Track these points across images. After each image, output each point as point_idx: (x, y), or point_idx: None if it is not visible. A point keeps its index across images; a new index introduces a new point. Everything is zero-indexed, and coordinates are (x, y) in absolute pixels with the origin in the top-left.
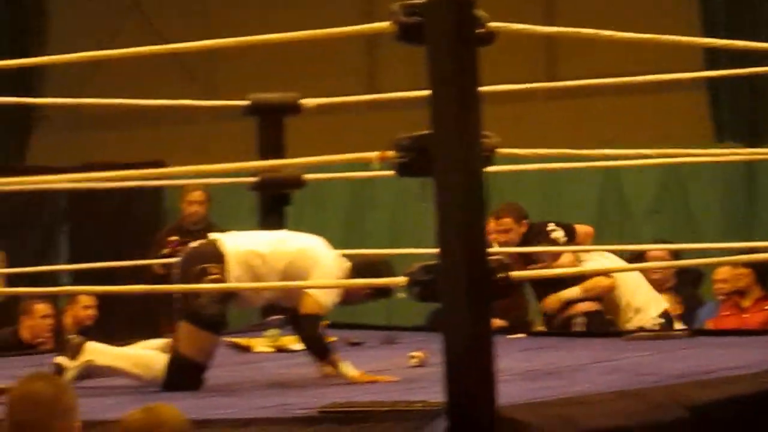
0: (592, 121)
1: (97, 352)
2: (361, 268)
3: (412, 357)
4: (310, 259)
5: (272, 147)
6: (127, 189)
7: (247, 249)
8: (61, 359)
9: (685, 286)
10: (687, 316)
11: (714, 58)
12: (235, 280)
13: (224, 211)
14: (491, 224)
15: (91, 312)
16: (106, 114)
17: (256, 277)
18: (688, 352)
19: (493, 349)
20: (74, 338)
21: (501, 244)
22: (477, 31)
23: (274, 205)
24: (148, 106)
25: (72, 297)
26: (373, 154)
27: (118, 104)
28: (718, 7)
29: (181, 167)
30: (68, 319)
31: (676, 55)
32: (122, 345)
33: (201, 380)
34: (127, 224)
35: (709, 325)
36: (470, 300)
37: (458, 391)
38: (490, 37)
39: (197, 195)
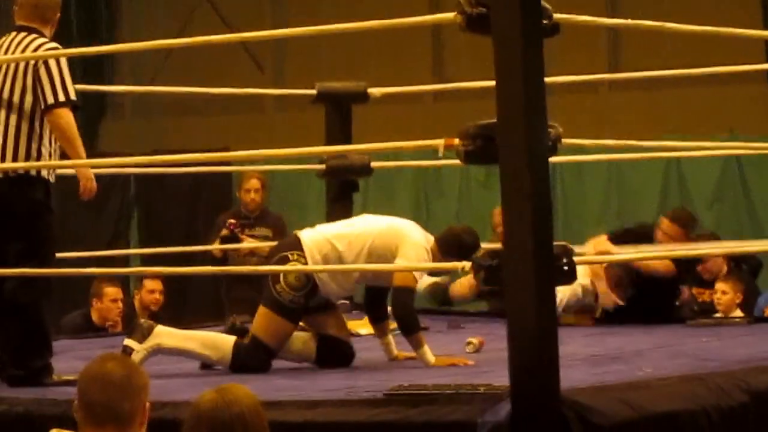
0: (654, 111)
1: (166, 334)
2: (446, 238)
3: (470, 343)
4: (396, 236)
5: (339, 135)
6: (196, 175)
7: (327, 234)
8: (130, 341)
9: (745, 274)
10: (747, 304)
11: None
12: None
13: (293, 198)
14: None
15: (156, 296)
16: (175, 102)
17: (340, 262)
18: (748, 339)
19: (556, 334)
20: (144, 321)
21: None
22: (542, 22)
23: (341, 192)
24: (217, 95)
25: (140, 281)
26: (440, 142)
27: (187, 92)
28: None
29: (250, 151)
30: (137, 303)
31: (737, 47)
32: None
33: (269, 364)
34: (196, 210)
35: None
36: (536, 285)
37: (523, 375)
38: (555, 28)
39: (254, 183)
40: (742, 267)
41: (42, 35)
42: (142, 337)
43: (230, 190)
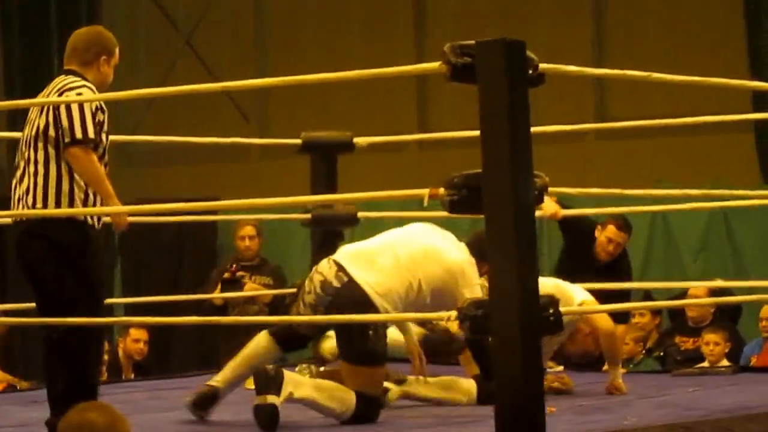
0: (640, 161)
1: (295, 382)
2: (477, 242)
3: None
4: (447, 267)
5: (325, 184)
6: (180, 225)
7: (386, 287)
8: (271, 398)
9: (726, 322)
10: (732, 353)
11: (761, 100)
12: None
13: (278, 247)
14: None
15: (140, 346)
16: (159, 150)
17: (401, 299)
18: (734, 388)
19: (542, 384)
20: (271, 370)
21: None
22: (528, 72)
23: (326, 242)
24: (201, 144)
25: (125, 330)
26: (424, 192)
27: (170, 141)
28: (766, 49)
29: (235, 200)
30: (121, 352)
31: (723, 97)
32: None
33: (379, 412)
34: (181, 259)
35: (755, 361)
36: (521, 335)
37: (509, 426)
38: (541, 78)
39: (248, 230)
40: (723, 313)
41: (83, 77)
42: (277, 390)
43: (215, 239)
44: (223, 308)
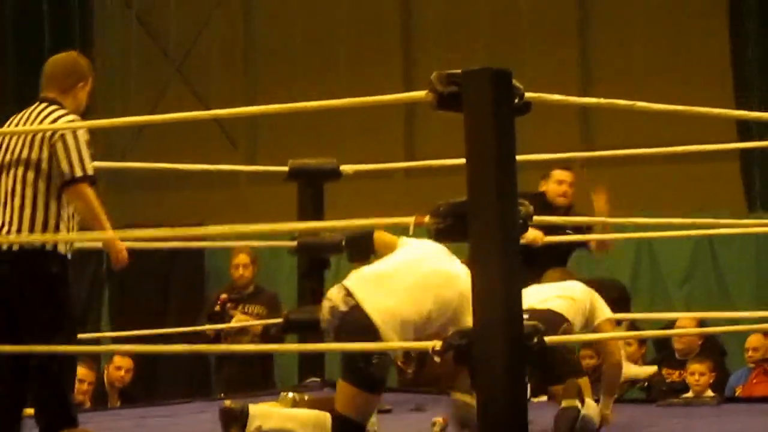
0: (626, 189)
1: (263, 415)
2: None
3: (434, 423)
4: (451, 285)
5: (312, 212)
6: (169, 251)
7: (393, 312)
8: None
9: (713, 353)
10: (717, 383)
11: (746, 129)
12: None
13: (265, 274)
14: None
15: (122, 374)
16: (148, 176)
17: (410, 324)
18: (719, 419)
19: (526, 413)
20: (233, 406)
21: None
22: (514, 100)
23: (312, 269)
24: (190, 170)
25: (110, 357)
26: (410, 219)
27: (160, 168)
28: (750, 79)
29: (222, 226)
30: (106, 380)
31: (709, 125)
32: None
33: None
34: (169, 285)
35: (740, 392)
36: (506, 365)
37: None
38: (527, 106)
39: (242, 258)
40: (709, 344)
41: (61, 106)
42: (240, 425)
43: (203, 265)
44: (216, 340)
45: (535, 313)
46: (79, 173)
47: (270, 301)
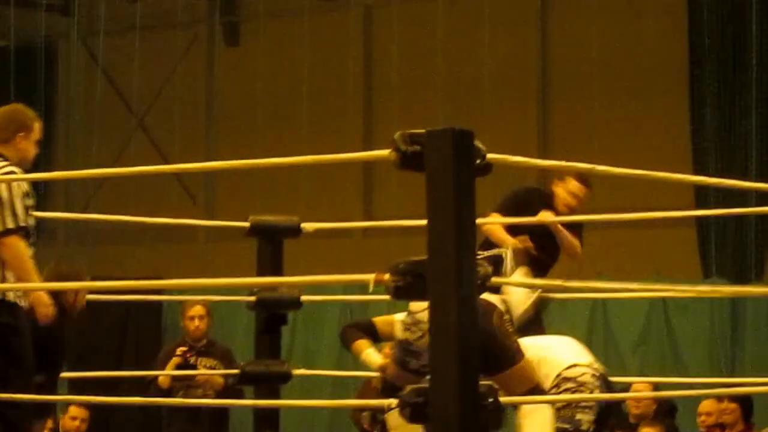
0: (582, 253)
1: None
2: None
3: None
4: None
5: (270, 268)
6: (126, 304)
7: None
8: None
9: (664, 416)
10: None
11: (704, 196)
12: None
13: (221, 330)
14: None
15: (77, 424)
16: (109, 229)
17: None
18: None
19: None
20: None
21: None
22: (475, 161)
23: (270, 325)
24: (150, 224)
25: (66, 406)
26: (370, 277)
27: (119, 220)
28: (709, 146)
29: (181, 280)
30: (61, 429)
31: (667, 192)
32: None
33: None
34: (126, 338)
35: None
36: (461, 424)
37: None
38: (488, 167)
39: (198, 309)
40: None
41: (3, 156)
42: None
43: (160, 319)
44: (169, 392)
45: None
46: (10, 225)
47: (225, 356)
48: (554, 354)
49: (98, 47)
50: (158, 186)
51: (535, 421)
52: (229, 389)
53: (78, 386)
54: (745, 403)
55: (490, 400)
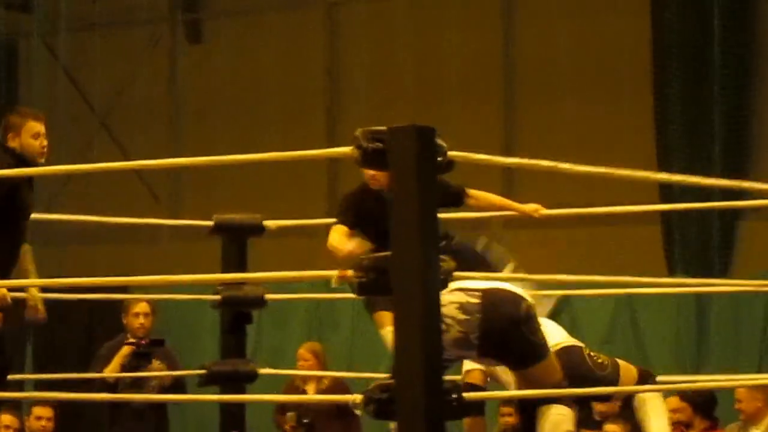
0: (547, 251)
1: None
2: None
3: None
4: None
5: (235, 266)
6: (92, 303)
7: None
8: None
9: (630, 413)
10: None
11: (668, 193)
12: None
13: (186, 329)
14: None
15: (43, 423)
16: (72, 230)
17: None
18: None
19: None
20: None
21: None
22: (437, 159)
23: (235, 324)
24: (113, 224)
25: (28, 407)
26: (333, 273)
27: (82, 220)
28: (673, 143)
29: (144, 277)
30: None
31: (632, 189)
32: None
33: None
34: (92, 336)
35: None
36: (426, 419)
37: None
38: (450, 165)
39: (143, 306)
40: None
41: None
42: None
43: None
44: (114, 387)
45: None
46: None
47: (167, 354)
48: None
49: (59, 45)
50: (122, 186)
51: (655, 408)
52: (173, 388)
53: (44, 386)
54: (702, 401)
55: (455, 395)
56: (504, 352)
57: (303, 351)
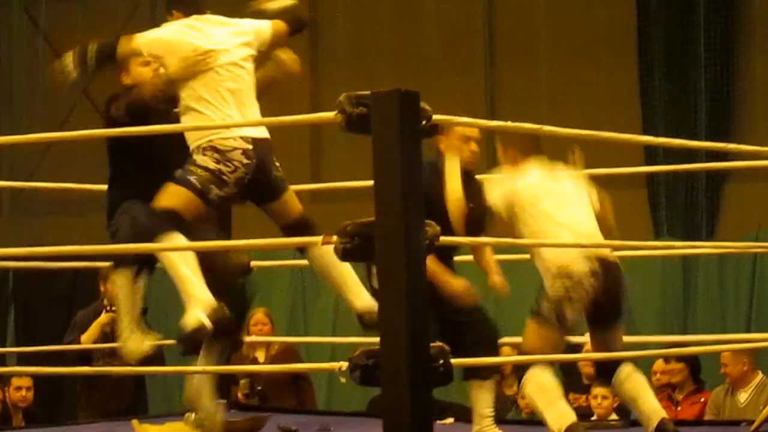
0: None
1: None
2: None
3: None
4: None
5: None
6: (74, 274)
7: None
8: None
9: None
10: (622, 407)
11: (653, 155)
12: None
13: (173, 296)
14: None
15: (23, 393)
16: (54, 200)
17: None
18: None
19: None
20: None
21: None
22: (421, 123)
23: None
24: (98, 192)
25: (8, 379)
26: (317, 239)
27: (65, 188)
28: (657, 106)
29: (128, 245)
30: (8, 401)
31: (616, 152)
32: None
33: None
34: (74, 308)
35: None
36: (411, 386)
37: None
38: (434, 129)
39: None
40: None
41: None
42: None
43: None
44: (87, 357)
45: None
46: None
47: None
48: None
49: (40, 14)
50: (104, 156)
51: (639, 381)
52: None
53: (25, 357)
54: (693, 363)
55: (441, 361)
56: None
57: (261, 315)
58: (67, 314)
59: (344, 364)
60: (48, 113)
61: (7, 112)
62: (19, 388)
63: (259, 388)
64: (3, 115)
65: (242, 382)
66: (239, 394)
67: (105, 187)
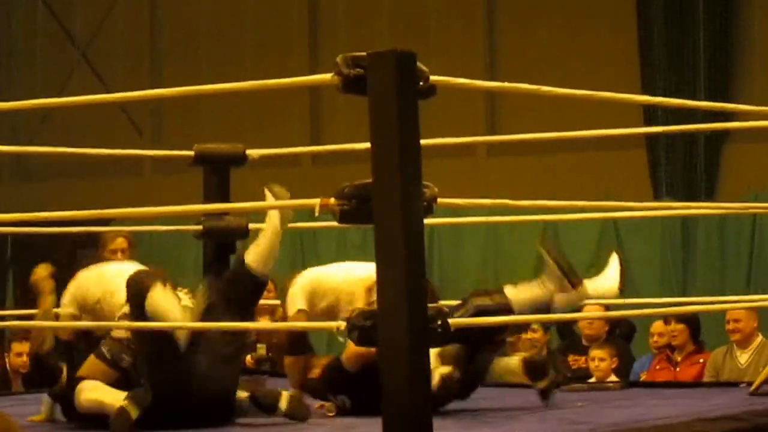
0: (532, 176)
1: None
2: None
3: (321, 406)
4: None
5: (217, 197)
6: (74, 238)
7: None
8: None
9: (618, 339)
10: (621, 369)
11: (653, 116)
12: None
13: (170, 259)
14: None
15: (23, 359)
16: (54, 165)
17: None
18: (622, 403)
19: (429, 395)
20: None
21: None
22: (418, 84)
23: (218, 254)
24: (95, 156)
25: (8, 344)
26: (315, 201)
27: (63, 153)
28: (657, 66)
29: (125, 209)
30: (8, 367)
31: (616, 113)
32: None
33: None
34: (74, 272)
35: (644, 377)
36: (409, 347)
37: None
38: (432, 90)
39: (120, 242)
40: (616, 332)
41: None
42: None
43: None
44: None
45: None
46: None
47: None
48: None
49: None
50: (104, 119)
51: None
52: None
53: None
54: (693, 323)
55: (439, 322)
56: None
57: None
58: (69, 278)
59: (342, 324)
60: (47, 79)
61: (6, 78)
62: (19, 354)
63: (270, 354)
64: (2, 81)
65: (260, 346)
66: (251, 360)
67: (103, 150)
